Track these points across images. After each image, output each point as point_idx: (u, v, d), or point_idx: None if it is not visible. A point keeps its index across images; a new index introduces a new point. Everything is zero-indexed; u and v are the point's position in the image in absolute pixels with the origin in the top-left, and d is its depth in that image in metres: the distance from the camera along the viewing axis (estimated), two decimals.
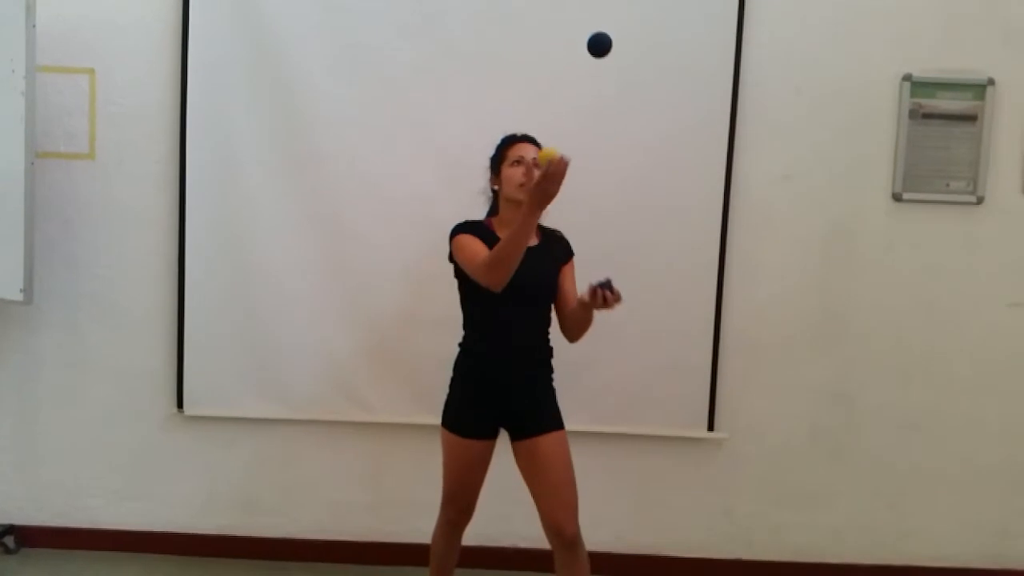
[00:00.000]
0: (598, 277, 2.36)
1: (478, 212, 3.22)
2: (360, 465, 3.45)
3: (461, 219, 3.24)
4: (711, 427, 3.37)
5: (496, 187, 2.65)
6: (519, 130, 3.06)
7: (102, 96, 3.31)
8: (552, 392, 2.68)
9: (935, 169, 3.31)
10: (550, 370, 2.68)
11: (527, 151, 2.58)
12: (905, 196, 3.32)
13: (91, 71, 3.30)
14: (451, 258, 2.62)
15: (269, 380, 3.34)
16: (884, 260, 3.35)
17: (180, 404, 3.38)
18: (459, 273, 2.62)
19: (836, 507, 3.45)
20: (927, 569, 3.46)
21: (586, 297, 2.38)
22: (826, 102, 3.30)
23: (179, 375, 3.36)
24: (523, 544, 3.42)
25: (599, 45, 2.26)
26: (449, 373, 3.30)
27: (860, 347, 3.38)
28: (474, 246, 2.52)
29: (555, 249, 2.67)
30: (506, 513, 3.39)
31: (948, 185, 3.32)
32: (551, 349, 2.67)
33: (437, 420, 3.33)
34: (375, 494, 3.46)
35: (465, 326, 2.68)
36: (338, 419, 3.38)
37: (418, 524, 3.43)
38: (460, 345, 2.70)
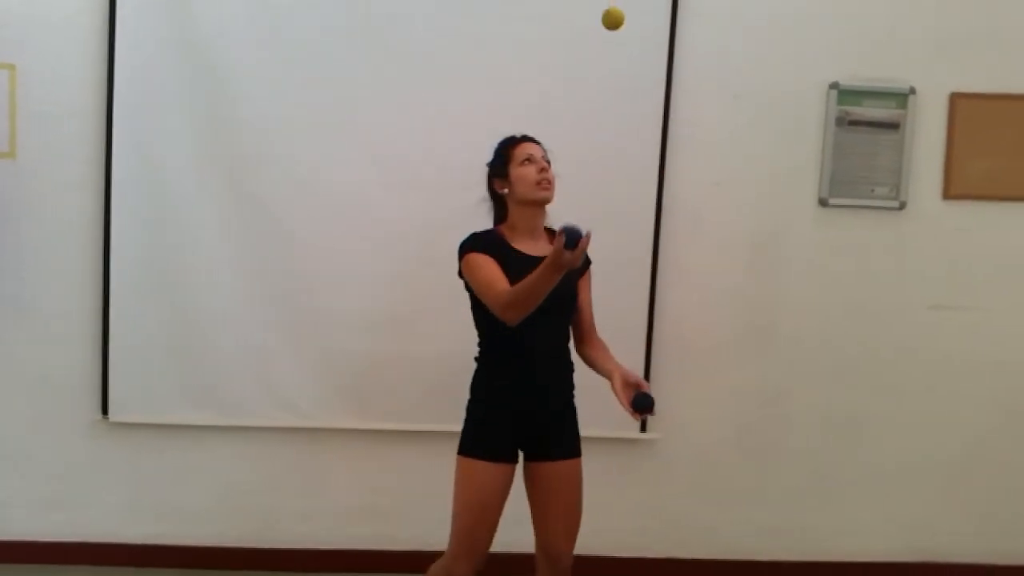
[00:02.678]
0: (644, 390, 2.34)
1: (417, 211, 3.22)
2: (293, 472, 3.40)
3: (397, 218, 3.22)
4: (643, 428, 3.41)
5: (504, 190, 2.52)
6: (455, 130, 3.09)
7: (23, 94, 3.20)
8: (575, 413, 2.59)
9: (860, 175, 3.40)
10: (573, 387, 2.60)
11: (535, 150, 2.52)
12: (831, 201, 3.40)
13: (11, 67, 3.19)
14: (460, 274, 2.51)
15: (198, 386, 3.28)
16: (811, 264, 3.43)
17: (105, 411, 3.29)
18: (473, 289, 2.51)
19: (767, 505, 3.51)
20: (856, 565, 3.54)
21: (619, 392, 2.34)
22: (756, 109, 3.37)
23: (104, 380, 3.27)
24: None
25: (574, 236, 2.10)
26: (382, 375, 3.30)
27: (789, 348, 3.45)
28: (489, 271, 2.39)
29: None
30: (440, 517, 3.37)
31: (873, 191, 3.41)
32: (572, 364, 2.59)
33: (371, 425, 3.34)
34: (308, 501, 3.41)
35: (482, 344, 2.55)
36: (270, 425, 3.33)
37: (353, 531, 3.42)
38: (478, 363, 2.56)
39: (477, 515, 2.48)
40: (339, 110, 3.23)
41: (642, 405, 2.32)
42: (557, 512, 2.53)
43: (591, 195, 3.28)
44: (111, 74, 3.18)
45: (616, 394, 2.36)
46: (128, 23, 3.16)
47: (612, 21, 2.38)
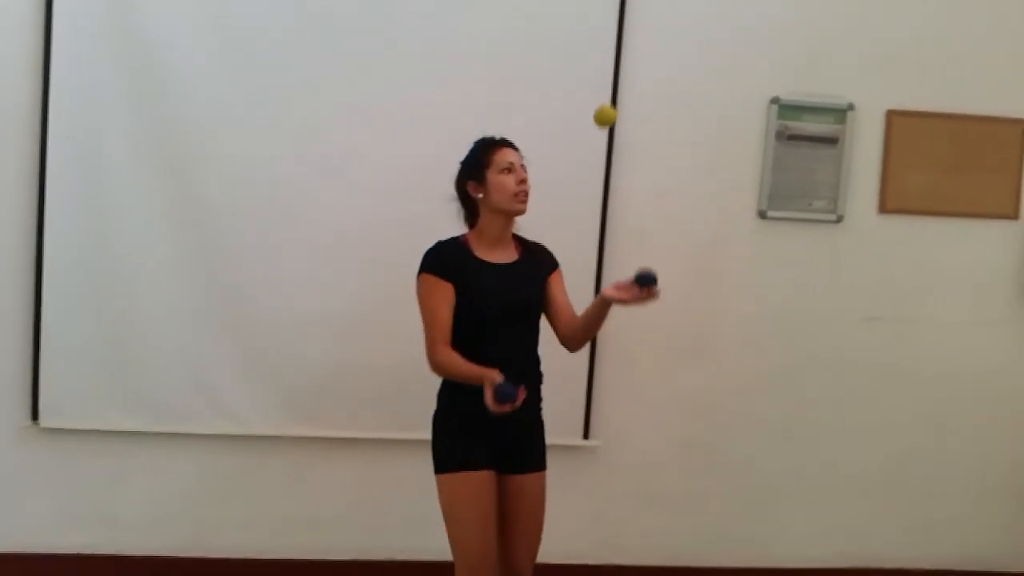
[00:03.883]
0: (645, 269, 2.28)
1: (369, 214, 3.19)
2: (232, 480, 3.34)
3: (347, 221, 3.15)
4: (586, 436, 3.43)
5: (479, 195, 2.45)
6: (407, 133, 3.04)
7: None
8: (543, 426, 2.58)
9: (799, 189, 3.47)
10: (541, 399, 2.57)
11: (515, 157, 2.46)
12: (770, 214, 3.47)
13: None
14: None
15: (135, 390, 3.20)
16: (750, 275, 3.49)
17: (35, 415, 3.20)
18: None
19: (705, 512, 3.56)
20: (790, 571, 3.61)
21: (616, 295, 2.28)
22: (699, 123, 3.41)
23: (35, 384, 3.18)
24: (401, 556, 3.39)
25: (506, 396, 2.20)
26: (325, 383, 3.27)
27: (728, 357, 3.50)
28: (437, 304, 2.38)
29: (538, 261, 2.57)
30: (380, 526, 3.37)
31: (811, 204, 3.49)
32: (541, 376, 2.57)
33: (313, 432, 3.30)
34: (246, 510, 3.36)
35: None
36: (209, 432, 3.26)
37: (290, 540, 3.37)
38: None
39: (476, 527, 2.40)
40: (289, 108, 3.18)
41: (645, 281, 2.29)
42: (523, 525, 2.52)
43: (538, 204, 3.27)
44: (47, 67, 3.09)
45: (615, 299, 2.32)
46: (65, 14, 3.07)
47: (604, 118, 2.48)
